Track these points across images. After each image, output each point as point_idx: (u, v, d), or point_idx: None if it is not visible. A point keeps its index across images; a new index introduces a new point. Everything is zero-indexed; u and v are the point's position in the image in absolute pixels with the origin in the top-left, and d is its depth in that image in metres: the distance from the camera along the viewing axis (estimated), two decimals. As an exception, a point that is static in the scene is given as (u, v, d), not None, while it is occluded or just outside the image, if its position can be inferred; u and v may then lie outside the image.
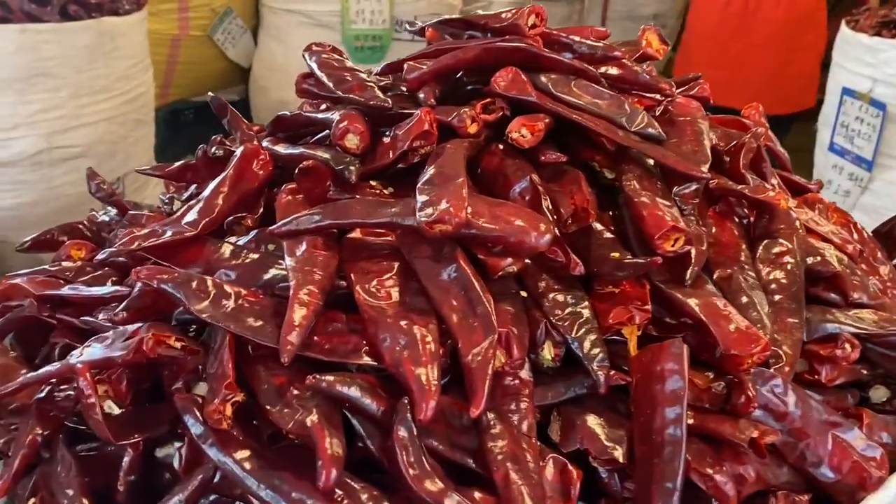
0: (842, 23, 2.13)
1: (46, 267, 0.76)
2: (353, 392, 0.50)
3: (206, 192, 0.65)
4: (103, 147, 1.90)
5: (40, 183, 1.79)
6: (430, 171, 0.58)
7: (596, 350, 0.54)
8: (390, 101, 0.67)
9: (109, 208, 0.88)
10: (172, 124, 2.81)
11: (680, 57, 2.83)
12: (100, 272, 0.74)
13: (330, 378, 0.49)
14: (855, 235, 0.78)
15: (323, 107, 0.82)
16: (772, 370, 0.56)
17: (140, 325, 0.56)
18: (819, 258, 0.66)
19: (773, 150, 0.84)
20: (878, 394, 0.65)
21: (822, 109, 2.23)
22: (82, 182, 2.02)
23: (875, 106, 1.95)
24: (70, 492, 0.54)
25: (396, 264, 0.57)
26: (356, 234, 0.60)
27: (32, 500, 0.56)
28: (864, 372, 0.63)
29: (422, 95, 0.67)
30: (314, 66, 0.74)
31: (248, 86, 2.86)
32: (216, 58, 2.73)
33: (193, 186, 0.81)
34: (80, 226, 0.91)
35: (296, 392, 0.50)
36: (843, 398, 0.62)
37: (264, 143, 0.72)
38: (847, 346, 0.60)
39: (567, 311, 0.56)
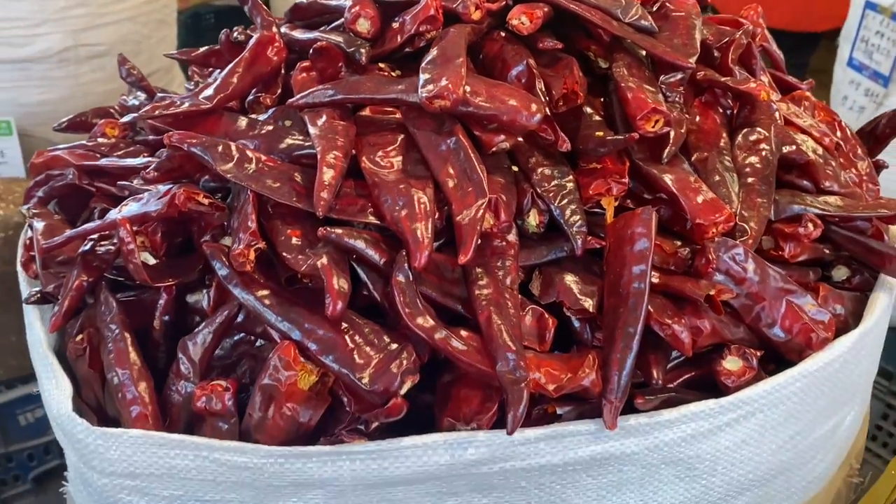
0: (870, -67, 2.08)
1: (84, 142, 0.82)
2: (359, 244, 0.57)
3: (223, 72, 0.71)
4: (127, 46, 1.93)
5: (67, 80, 1.84)
6: (433, 52, 0.63)
7: (576, 218, 0.60)
8: (400, -11, 0.71)
9: (139, 93, 0.94)
10: (193, 29, 2.82)
11: None
12: (132, 148, 0.80)
13: (339, 231, 0.56)
14: (839, 134, 0.83)
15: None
16: (736, 241, 0.62)
17: (171, 185, 0.63)
18: (794, 147, 0.71)
19: (767, 49, 0.88)
20: (839, 273, 0.71)
21: (845, 23, 2.21)
22: (108, 80, 2.07)
23: (896, 20, 1.93)
24: (114, 326, 0.62)
25: (400, 137, 0.63)
26: (366, 111, 0.66)
27: (80, 335, 0.65)
28: (827, 252, 0.69)
29: (429, -16, 0.71)
30: (329, -45, 0.78)
31: (268, -13, 2.85)
32: (237, -41, 2.72)
33: (217, 72, 0.87)
34: (112, 110, 0.97)
35: (309, 241, 0.58)
36: (805, 274, 0.68)
37: (283, 29, 0.77)
38: (810, 224, 0.66)
39: (553, 183, 0.62)
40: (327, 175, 0.57)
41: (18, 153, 1.79)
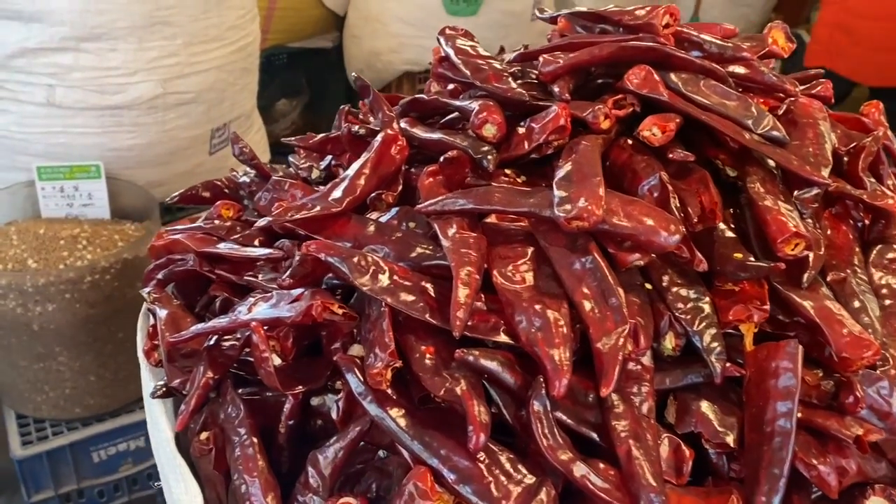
0: None
1: (201, 224, 0.84)
2: (495, 366, 0.56)
3: (350, 173, 0.71)
4: (213, 94, 1.99)
5: (155, 126, 1.90)
6: (567, 166, 0.63)
7: (715, 344, 0.58)
8: (526, 94, 0.71)
9: (248, 169, 0.96)
10: (267, 69, 2.89)
11: (823, 32, 2.57)
12: (248, 231, 0.82)
13: (476, 353, 0.56)
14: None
15: (450, 87, 0.87)
16: (878, 372, 0.60)
17: (302, 290, 0.63)
18: (932, 265, 0.68)
19: (890, 149, 0.86)
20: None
21: None
22: (192, 126, 2.12)
23: None
24: (242, 431, 0.62)
25: (531, 250, 0.63)
26: (492, 219, 0.66)
27: (205, 434, 0.65)
28: (967, 377, 0.66)
29: (556, 90, 0.71)
30: (450, 51, 0.79)
31: (342, 33, 2.92)
32: (313, 5, 2.79)
33: (329, 157, 0.88)
34: (219, 183, 0.99)
35: (442, 359, 0.57)
36: (944, 400, 0.65)
37: (402, 125, 0.78)
38: (953, 353, 0.63)
39: (689, 305, 0.60)
40: (462, 294, 0.57)
41: (105, 196, 1.86)
